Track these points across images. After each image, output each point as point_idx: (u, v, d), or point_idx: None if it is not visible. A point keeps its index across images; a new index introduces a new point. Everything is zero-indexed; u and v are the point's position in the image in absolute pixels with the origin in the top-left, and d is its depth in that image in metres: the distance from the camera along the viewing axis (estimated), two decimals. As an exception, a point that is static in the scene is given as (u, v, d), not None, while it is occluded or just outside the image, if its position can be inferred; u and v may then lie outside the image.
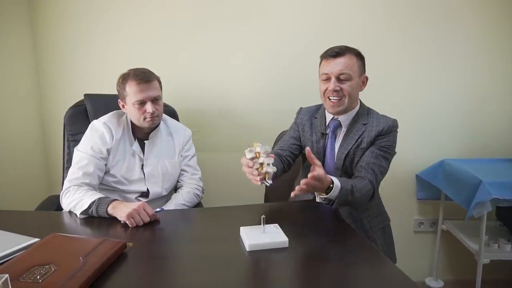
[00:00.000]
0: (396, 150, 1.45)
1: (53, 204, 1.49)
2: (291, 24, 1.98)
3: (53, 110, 2.03)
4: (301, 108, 1.62)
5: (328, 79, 1.35)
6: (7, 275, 0.62)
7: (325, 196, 1.20)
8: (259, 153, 1.09)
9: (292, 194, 1.14)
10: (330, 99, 1.36)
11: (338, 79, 1.33)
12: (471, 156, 2.03)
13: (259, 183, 1.12)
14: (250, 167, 1.11)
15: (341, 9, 1.97)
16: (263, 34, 1.99)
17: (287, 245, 1.01)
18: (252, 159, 1.10)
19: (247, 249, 0.99)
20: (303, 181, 1.11)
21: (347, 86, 1.33)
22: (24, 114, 1.99)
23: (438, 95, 2.03)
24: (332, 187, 1.19)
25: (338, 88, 1.33)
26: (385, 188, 2.05)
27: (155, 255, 1.00)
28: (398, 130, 1.45)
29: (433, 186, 2.00)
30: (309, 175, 1.12)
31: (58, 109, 1.88)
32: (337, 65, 1.32)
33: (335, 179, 1.20)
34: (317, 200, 1.24)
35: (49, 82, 2.05)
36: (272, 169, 1.11)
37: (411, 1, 1.94)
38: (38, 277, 0.76)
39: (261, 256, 0.97)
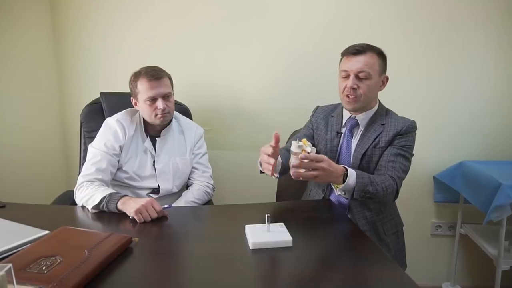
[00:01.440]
0: (414, 152, 1.42)
1: (69, 198, 1.53)
2: (305, 22, 1.97)
3: (73, 108, 2.10)
4: (318, 106, 1.61)
5: (347, 76, 1.33)
6: (10, 265, 0.64)
7: (342, 186, 1.19)
8: (306, 151, 1.11)
9: (292, 173, 1.12)
10: (347, 96, 1.34)
11: (357, 77, 1.31)
12: (491, 158, 1.95)
13: (270, 173, 1.15)
14: (269, 155, 1.12)
15: (356, 6, 1.93)
16: (277, 33, 1.99)
17: (291, 245, 1.00)
18: (294, 153, 1.11)
19: (250, 247, 0.99)
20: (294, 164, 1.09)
21: (365, 85, 1.31)
22: (45, 112, 2.07)
23: (459, 95, 1.95)
24: (347, 174, 1.17)
25: (355, 86, 1.31)
26: (401, 189, 2.01)
27: (160, 250, 1.02)
28: (416, 132, 1.42)
29: (451, 189, 1.93)
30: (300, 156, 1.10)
31: (77, 107, 1.93)
32: (357, 63, 1.30)
33: (348, 167, 1.19)
34: (337, 193, 1.22)
35: (69, 81, 2.12)
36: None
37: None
38: (43, 268, 0.79)
39: (264, 254, 0.96)
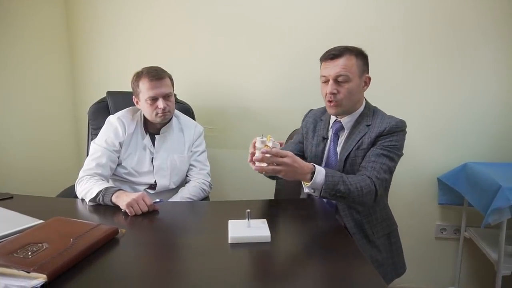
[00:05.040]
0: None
1: (73, 192, 1.61)
2: (309, 22, 1.98)
3: (85, 106, 2.19)
4: (310, 110, 1.61)
5: (327, 81, 1.32)
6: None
7: (310, 183, 1.16)
8: (268, 147, 1.12)
9: (254, 167, 1.15)
10: (329, 101, 1.34)
11: (336, 81, 1.30)
12: (496, 159, 1.89)
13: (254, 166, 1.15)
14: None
15: (361, 4, 1.92)
16: (280, 32, 2.01)
17: (269, 240, 1.03)
18: (258, 148, 1.13)
19: (229, 241, 1.02)
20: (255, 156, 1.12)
21: (345, 89, 1.30)
22: (60, 111, 2.19)
23: (463, 96, 1.91)
24: (315, 172, 1.15)
25: (335, 91, 1.30)
26: (405, 191, 2.01)
27: (145, 242, 1.07)
28: (406, 130, 1.36)
29: (456, 190, 1.88)
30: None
31: (88, 105, 2.02)
32: (334, 67, 1.30)
33: (317, 166, 1.18)
34: (305, 190, 1.20)
35: (81, 80, 2.23)
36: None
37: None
38: (29, 253, 0.85)
39: (241, 248, 1.00)
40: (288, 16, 1.99)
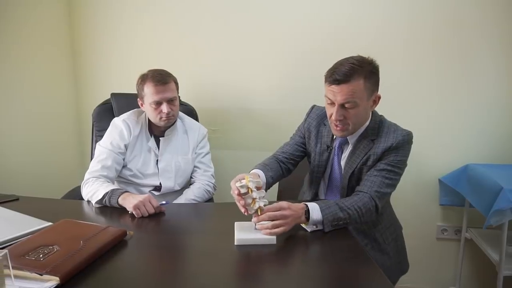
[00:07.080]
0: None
1: (78, 193, 1.62)
2: (312, 21, 1.99)
3: (88, 107, 2.20)
4: (313, 106, 1.53)
5: (332, 103, 1.23)
6: (6, 251, 0.72)
7: (309, 222, 1.13)
8: (251, 188, 1.09)
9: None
10: (335, 125, 1.26)
11: (343, 106, 1.21)
12: (498, 161, 1.90)
13: (247, 213, 1.13)
14: (239, 195, 1.10)
15: (365, 6, 1.94)
16: (284, 33, 2.02)
17: (274, 242, 1.04)
18: (244, 194, 1.09)
19: (235, 243, 1.04)
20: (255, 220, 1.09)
21: (352, 114, 1.22)
22: (63, 113, 2.20)
23: (465, 97, 1.92)
24: (309, 210, 1.12)
25: (342, 118, 1.22)
26: (406, 192, 2.02)
27: (153, 243, 1.09)
28: (412, 140, 1.31)
29: (457, 192, 1.90)
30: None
31: (92, 107, 2.03)
32: (341, 93, 1.19)
33: (309, 203, 1.15)
34: (308, 230, 1.14)
35: (85, 81, 2.24)
36: (264, 203, 1.11)
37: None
38: (41, 255, 0.87)
39: (247, 250, 1.01)
40: (291, 17, 2.00)
